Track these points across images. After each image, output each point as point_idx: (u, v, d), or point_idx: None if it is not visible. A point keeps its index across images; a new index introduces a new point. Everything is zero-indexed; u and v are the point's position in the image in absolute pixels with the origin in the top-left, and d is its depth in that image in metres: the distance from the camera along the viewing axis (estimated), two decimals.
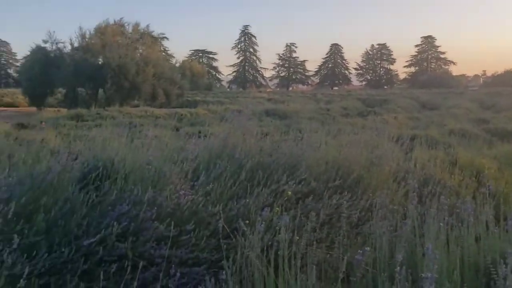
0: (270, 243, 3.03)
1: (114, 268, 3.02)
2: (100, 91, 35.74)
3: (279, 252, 2.80)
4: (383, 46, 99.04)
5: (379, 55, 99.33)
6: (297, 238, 3.05)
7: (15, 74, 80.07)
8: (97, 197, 3.72)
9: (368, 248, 2.58)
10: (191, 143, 4.85)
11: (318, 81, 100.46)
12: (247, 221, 3.20)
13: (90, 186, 3.84)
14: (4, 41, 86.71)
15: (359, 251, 2.65)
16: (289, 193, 3.86)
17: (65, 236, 3.30)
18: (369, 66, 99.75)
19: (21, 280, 2.59)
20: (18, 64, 78.32)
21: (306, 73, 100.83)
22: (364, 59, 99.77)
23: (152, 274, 3.09)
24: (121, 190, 3.79)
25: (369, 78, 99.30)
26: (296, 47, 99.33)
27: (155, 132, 6.79)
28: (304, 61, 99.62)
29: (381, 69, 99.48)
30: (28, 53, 39.03)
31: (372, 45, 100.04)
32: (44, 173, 3.87)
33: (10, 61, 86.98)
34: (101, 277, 2.42)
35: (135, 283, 2.99)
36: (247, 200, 3.76)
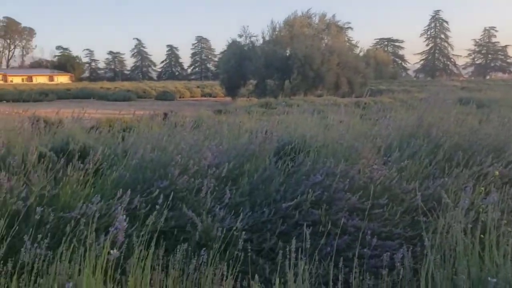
0: (471, 226, 2.82)
1: (308, 232, 3.18)
2: (286, 82, 37.51)
3: (481, 236, 2.59)
4: None
5: None
6: (505, 221, 2.77)
7: (213, 68, 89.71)
8: (292, 167, 3.95)
9: None
10: (383, 123, 4.77)
11: None
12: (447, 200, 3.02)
13: (286, 157, 4.10)
14: (205, 38, 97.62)
15: None
16: (497, 172, 3.51)
17: (265, 199, 3.60)
18: None
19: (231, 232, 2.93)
20: (216, 59, 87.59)
21: (508, 60, 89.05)
22: None
23: (345, 242, 3.16)
24: (314, 162, 3.96)
25: None
26: (496, 31, 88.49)
27: (341, 118, 6.87)
28: (506, 46, 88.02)
29: None
30: (225, 48, 43.24)
31: None
32: (247, 144, 4.27)
33: (210, 56, 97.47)
34: (306, 234, 2.56)
35: (328, 249, 3.11)
36: (446, 179, 3.54)
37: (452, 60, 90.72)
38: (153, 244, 2.55)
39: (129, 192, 3.08)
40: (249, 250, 3.04)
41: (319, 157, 4.02)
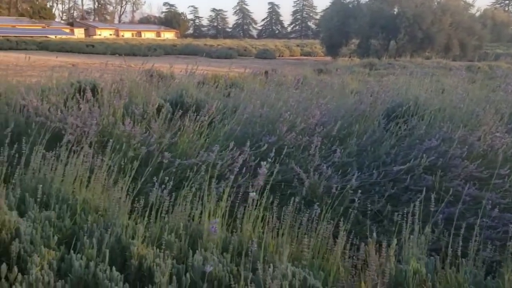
0: None
1: (420, 198, 3.08)
2: (392, 42, 35.63)
3: None
4: None
5: None
6: None
7: (313, 26, 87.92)
8: (405, 130, 3.81)
9: None
10: (506, 88, 4.38)
11: None
12: None
13: (398, 120, 3.96)
14: None
15: None
16: None
17: (374, 161, 3.54)
18: None
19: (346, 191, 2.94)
20: (317, 17, 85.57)
21: None
22: None
23: (459, 211, 3.02)
24: (428, 126, 3.78)
25: None
26: None
27: (457, 82, 6.43)
28: None
29: None
30: (328, 5, 41.95)
31: None
32: (357, 104, 4.19)
33: (311, 14, 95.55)
34: (432, 198, 2.50)
35: (441, 216, 3.00)
36: None
37: None
38: (265, 194, 2.65)
39: (248, 143, 3.20)
40: (358, 210, 3.03)
41: (435, 121, 3.83)
